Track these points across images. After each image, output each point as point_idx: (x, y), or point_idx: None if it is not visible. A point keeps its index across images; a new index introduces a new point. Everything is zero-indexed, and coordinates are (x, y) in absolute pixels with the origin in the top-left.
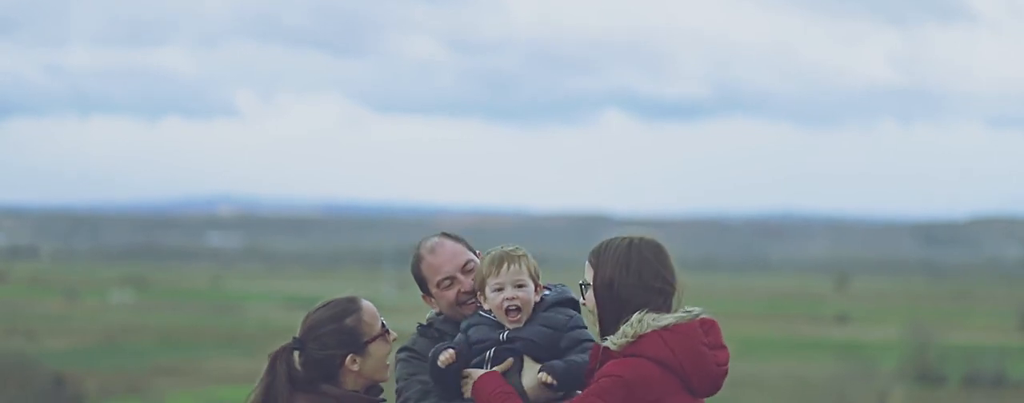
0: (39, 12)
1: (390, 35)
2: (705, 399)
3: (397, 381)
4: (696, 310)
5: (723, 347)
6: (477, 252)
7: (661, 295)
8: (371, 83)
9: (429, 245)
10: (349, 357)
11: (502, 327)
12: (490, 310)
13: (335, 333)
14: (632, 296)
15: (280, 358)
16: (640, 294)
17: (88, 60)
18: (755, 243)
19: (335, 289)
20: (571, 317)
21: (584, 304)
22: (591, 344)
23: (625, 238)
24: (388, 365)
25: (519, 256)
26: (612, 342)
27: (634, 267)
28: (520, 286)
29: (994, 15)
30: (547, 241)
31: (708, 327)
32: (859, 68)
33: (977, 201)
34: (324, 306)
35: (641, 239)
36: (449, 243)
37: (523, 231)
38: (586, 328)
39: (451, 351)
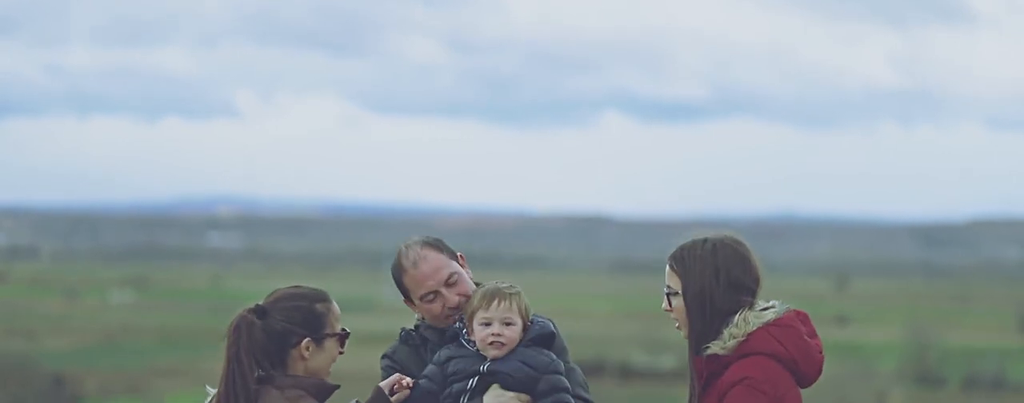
0: (38, 12)
1: (390, 35)
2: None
3: None
4: (781, 305)
5: (817, 336)
6: (459, 256)
7: (751, 294)
8: (371, 83)
9: (412, 257)
10: (305, 341)
11: (483, 359)
12: (472, 341)
13: (303, 311)
14: (724, 301)
15: (242, 329)
16: (732, 297)
17: (87, 60)
18: (755, 244)
19: (335, 289)
20: (552, 360)
21: (668, 310)
22: (566, 393)
23: (706, 240)
24: (330, 370)
25: (512, 294)
26: (721, 347)
27: (723, 271)
28: (507, 324)
29: (994, 16)
30: (546, 242)
31: (804, 317)
32: (859, 69)
33: (977, 202)
34: (297, 287)
35: (722, 240)
36: (432, 255)
37: (522, 232)
38: (562, 374)
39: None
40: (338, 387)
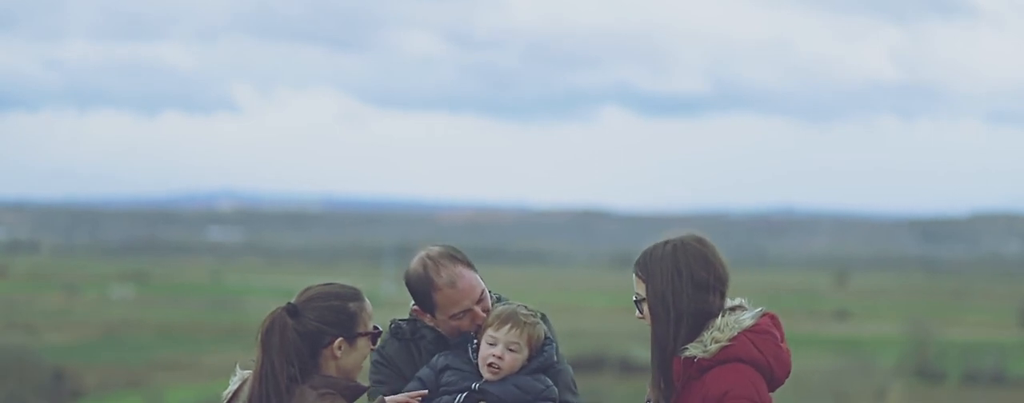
0: (37, 6)
1: (390, 30)
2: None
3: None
4: (747, 304)
5: (785, 340)
6: (474, 269)
7: (717, 293)
8: (371, 78)
9: (447, 276)
10: (338, 340)
11: (477, 376)
12: (476, 352)
13: (336, 311)
14: (689, 303)
15: (275, 328)
16: (697, 297)
17: (87, 54)
18: (754, 239)
19: None
20: (547, 387)
21: (641, 317)
22: None
23: (668, 242)
24: (362, 368)
25: (527, 324)
26: (702, 350)
27: (685, 272)
28: (511, 350)
29: (995, 10)
30: (546, 236)
31: (776, 322)
32: (859, 64)
33: (978, 197)
34: (330, 284)
35: (683, 240)
36: (468, 274)
37: (523, 226)
38: (555, 401)
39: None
40: (367, 389)
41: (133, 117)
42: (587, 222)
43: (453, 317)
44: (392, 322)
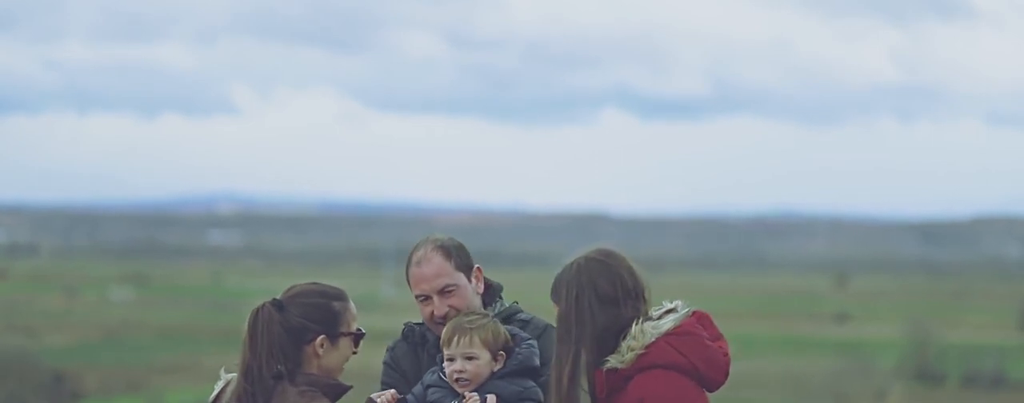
0: (36, 7)
1: (389, 31)
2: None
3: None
4: (683, 306)
5: (722, 337)
6: (476, 268)
7: (628, 305)
8: (370, 80)
9: (418, 256)
10: (321, 338)
11: (456, 393)
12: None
13: (320, 308)
14: (597, 319)
15: (260, 321)
16: (605, 313)
17: (86, 56)
18: (754, 241)
19: None
20: (525, 389)
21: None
22: None
23: (573, 263)
24: (343, 369)
25: (471, 329)
26: (619, 360)
27: (588, 290)
28: (469, 358)
29: (996, 12)
30: (546, 239)
31: (704, 321)
32: (860, 65)
33: (978, 199)
34: (315, 283)
35: (587, 257)
36: (437, 260)
37: (522, 229)
38: (538, 401)
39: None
40: (351, 388)
41: (133, 119)
42: (586, 225)
43: (416, 299)
44: (405, 325)
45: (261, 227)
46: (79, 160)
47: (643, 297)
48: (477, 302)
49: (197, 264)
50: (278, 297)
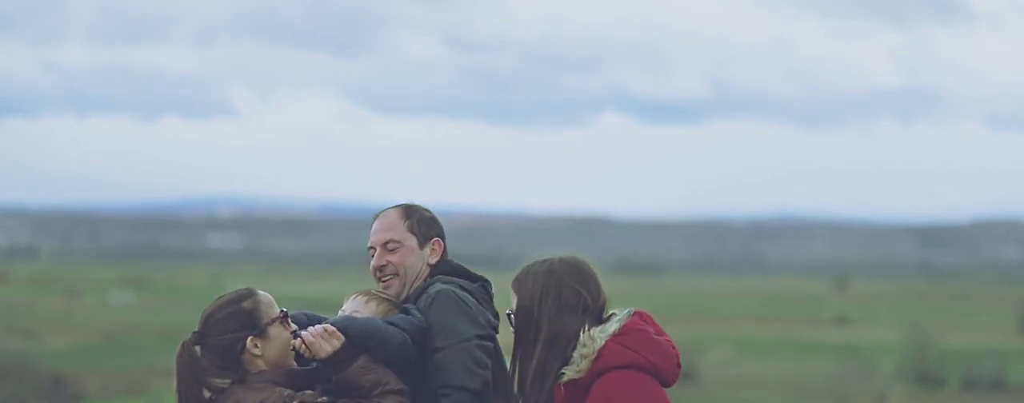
0: (36, 10)
1: (389, 34)
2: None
3: None
4: (620, 310)
5: (664, 333)
6: (434, 242)
7: (579, 317)
8: (370, 82)
9: (380, 212)
10: (250, 340)
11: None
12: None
13: (233, 316)
14: (552, 320)
15: (182, 356)
16: (557, 320)
17: (86, 59)
18: (754, 244)
19: (335, 289)
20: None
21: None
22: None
23: (545, 261)
24: (292, 352)
25: (371, 296)
26: (575, 370)
27: (553, 293)
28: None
29: (995, 14)
30: (545, 242)
31: (647, 317)
32: (859, 68)
33: (978, 202)
34: (219, 298)
35: (561, 260)
36: (393, 216)
37: (522, 232)
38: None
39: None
40: (311, 366)
41: (132, 122)
42: (586, 227)
43: (368, 251)
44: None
45: (261, 230)
46: (79, 162)
47: (599, 316)
48: (419, 267)
49: (197, 267)
50: (196, 329)
